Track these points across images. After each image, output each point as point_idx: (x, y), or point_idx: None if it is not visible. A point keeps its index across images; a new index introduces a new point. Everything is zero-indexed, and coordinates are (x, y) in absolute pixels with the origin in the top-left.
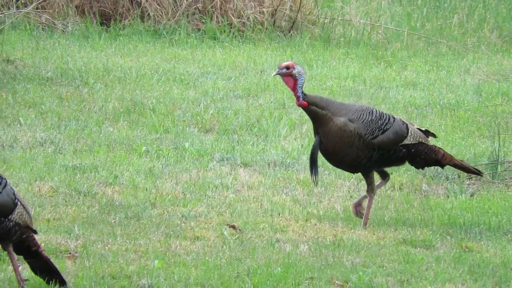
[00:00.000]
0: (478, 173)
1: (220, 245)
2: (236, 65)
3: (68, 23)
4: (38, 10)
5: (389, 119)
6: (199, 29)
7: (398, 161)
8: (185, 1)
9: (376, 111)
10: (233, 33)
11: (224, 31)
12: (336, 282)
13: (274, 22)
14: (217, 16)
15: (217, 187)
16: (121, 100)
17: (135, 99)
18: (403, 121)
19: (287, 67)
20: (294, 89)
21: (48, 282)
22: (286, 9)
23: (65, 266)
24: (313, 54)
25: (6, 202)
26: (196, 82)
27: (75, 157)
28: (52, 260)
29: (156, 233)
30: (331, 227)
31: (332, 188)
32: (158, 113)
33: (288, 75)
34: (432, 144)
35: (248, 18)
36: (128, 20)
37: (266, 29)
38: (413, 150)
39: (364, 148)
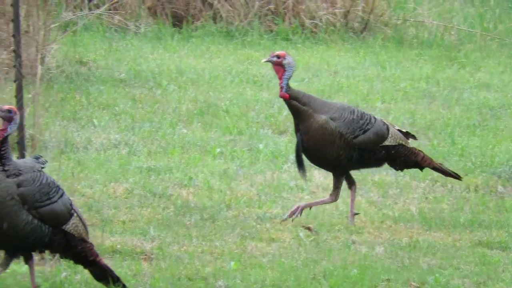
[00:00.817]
0: (456, 177)
1: (296, 246)
2: (309, 67)
3: (140, 24)
4: (111, 11)
5: (370, 119)
6: (271, 31)
7: (377, 163)
8: (257, 2)
9: (358, 110)
10: (306, 34)
11: (297, 32)
12: (413, 284)
13: (347, 23)
14: (289, 18)
15: (292, 188)
16: (194, 102)
17: (208, 101)
18: (384, 122)
19: (278, 56)
20: (280, 79)
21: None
22: (358, 10)
23: (141, 268)
24: (386, 56)
25: (61, 212)
26: (270, 84)
27: (150, 158)
28: (128, 261)
29: (231, 234)
30: (407, 229)
31: (407, 190)
32: (231, 114)
33: (278, 64)
34: (412, 146)
35: (321, 19)
36: (201, 22)
37: (338, 30)
38: (392, 152)
39: (345, 147)
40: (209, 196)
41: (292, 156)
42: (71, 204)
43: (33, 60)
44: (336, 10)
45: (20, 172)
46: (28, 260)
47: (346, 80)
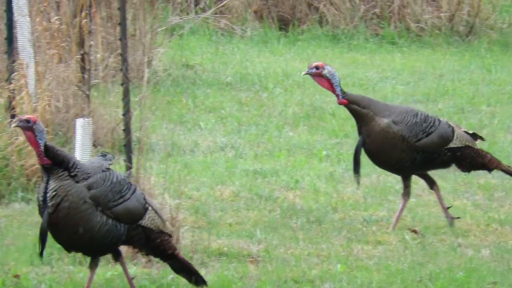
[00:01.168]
0: None
1: (402, 249)
2: (414, 70)
3: (246, 28)
4: (217, 15)
5: (434, 122)
6: (377, 34)
7: (443, 165)
8: (362, 6)
9: (421, 113)
10: (411, 38)
11: (402, 36)
12: None
13: (452, 27)
14: (394, 21)
15: (397, 191)
16: (300, 105)
17: (314, 104)
18: (449, 124)
19: (317, 67)
20: (331, 89)
21: (190, 281)
22: (463, 14)
23: (247, 270)
24: (491, 59)
25: (135, 208)
26: (376, 87)
27: (256, 161)
28: (234, 264)
29: (338, 237)
30: None
31: None
32: (338, 117)
33: (319, 75)
34: (479, 148)
35: (426, 23)
36: (307, 25)
37: (443, 34)
38: (458, 154)
39: (408, 151)
40: (315, 198)
41: None
42: (144, 199)
43: (139, 63)
44: (442, 14)
45: (88, 175)
46: (117, 258)
47: (452, 83)
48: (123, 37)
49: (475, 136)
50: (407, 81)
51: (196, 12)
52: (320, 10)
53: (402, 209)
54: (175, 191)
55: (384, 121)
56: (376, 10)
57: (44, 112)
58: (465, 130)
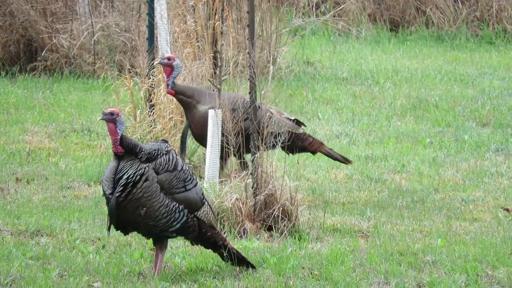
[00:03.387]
0: (345, 161)
1: (495, 225)
2: (510, 67)
3: (361, 29)
4: (335, 17)
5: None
6: (477, 35)
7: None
8: (465, 10)
9: (242, 99)
10: (507, 39)
11: (499, 37)
12: None
13: None
14: (493, 23)
15: (492, 174)
16: (408, 98)
17: (420, 97)
18: (268, 110)
19: (169, 58)
20: (168, 77)
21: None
22: None
23: (358, 244)
24: None
25: (194, 199)
26: (474, 82)
27: (367, 148)
28: (346, 238)
29: (438, 215)
30: None
31: None
32: (440, 109)
33: (169, 66)
34: (301, 132)
35: None
36: (414, 27)
37: None
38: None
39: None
40: (419, 181)
41: (493, 146)
42: (203, 194)
43: (265, 61)
44: None
45: (152, 156)
46: (162, 248)
47: None
48: (251, 37)
49: (298, 123)
50: (503, 76)
51: (317, 15)
52: (427, 13)
53: None
54: (294, 174)
55: (204, 108)
56: (476, 13)
57: (178, 104)
58: (287, 116)
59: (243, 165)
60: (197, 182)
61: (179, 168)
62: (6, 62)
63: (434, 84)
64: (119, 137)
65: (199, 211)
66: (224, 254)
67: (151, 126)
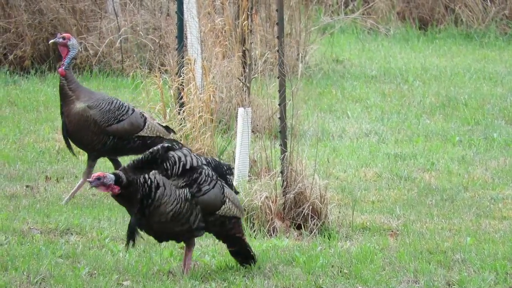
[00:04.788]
0: None
1: None
2: None
3: (390, 27)
4: (364, 16)
5: (127, 111)
6: (505, 33)
7: (133, 150)
8: (494, 8)
9: (117, 101)
10: None
11: None
12: None
13: None
14: None
15: None
16: (437, 96)
17: (449, 95)
18: (142, 115)
19: (63, 38)
20: (64, 57)
21: (242, 265)
22: None
23: (387, 243)
24: None
25: (212, 201)
26: (503, 80)
27: (396, 146)
28: (376, 237)
29: (468, 213)
30: None
31: None
32: (469, 107)
33: (64, 45)
34: (171, 138)
35: None
36: (443, 25)
37: None
38: (149, 142)
39: (99, 134)
40: (449, 179)
41: None
42: (223, 193)
43: (294, 59)
44: None
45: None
46: (189, 245)
47: None
48: (280, 35)
49: (168, 129)
50: None
51: (346, 13)
52: (456, 11)
53: (79, 187)
54: (324, 172)
55: (81, 105)
56: (505, 11)
57: (209, 102)
58: (159, 122)
59: (114, 163)
60: (215, 183)
61: (188, 167)
62: (36, 60)
63: (463, 82)
64: (116, 191)
65: (220, 210)
66: (236, 249)
67: (180, 124)
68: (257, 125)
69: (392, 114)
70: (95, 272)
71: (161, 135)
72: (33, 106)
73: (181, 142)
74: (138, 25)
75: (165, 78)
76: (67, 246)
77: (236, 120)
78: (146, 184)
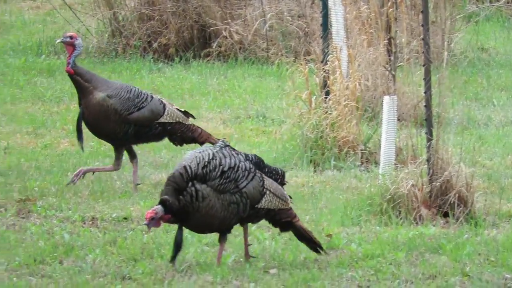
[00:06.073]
0: None
1: None
2: None
3: None
4: (509, 3)
5: (146, 98)
6: None
7: (155, 137)
8: None
9: (135, 89)
10: None
11: None
12: None
13: None
14: None
15: None
16: None
17: None
18: (161, 101)
19: (71, 37)
20: (69, 56)
21: (310, 248)
22: None
23: None
24: None
25: (251, 194)
26: None
27: None
28: None
29: None
30: None
31: None
32: None
33: (70, 44)
34: (191, 123)
35: None
36: None
37: None
38: (169, 128)
39: (121, 123)
40: None
41: None
42: (262, 185)
43: (439, 47)
44: None
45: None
46: (221, 239)
47: None
48: (425, 23)
49: (187, 114)
50: None
51: (491, 1)
52: None
53: (99, 170)
54: (470, 160)
55: (100, 95)
56: None
57: (354, 90)
58: (178, 107)
59: (131, 154)
60: (254, 176)
61: (226, 169)
62: (180, 48)
63: None
64: (167, 219)
65: (259, 203)
66: (295, 232)
67: (326, 112)
68: (403, 113)
69: None
70: (241, 260)
71: (181, 120)
72: (177, 94)
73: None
74: (283, 13)
75: (311, 66)
76: (213, 234)
77: (382, 108)
78: (193, 198)
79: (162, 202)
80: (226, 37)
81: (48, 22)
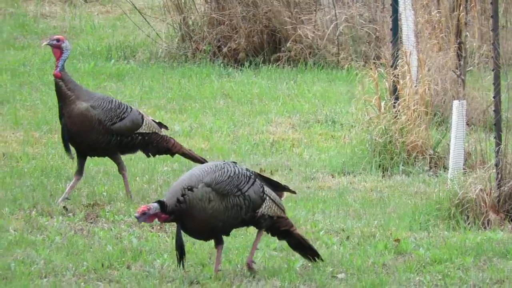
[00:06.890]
0: (202, 161)
1: None
2: None
3: None
4: None
5: (126, 108)
6: None
7: (133, 148)
8: None
9: (115, 100)
10: None
11: None
12: None
13: None
14: None
15: None
16: None
17: None
18: (139, 112)
19: (58, 40)
20: (58, 59)
21: (304, 256)
22: None
23: None
24: None
25: (253, 199)
26: None
27: None
28: None
29: None
30: None
31: None
32: None
33: (57, 47)
34: (164, 134)
35: None
36: None
37: None
38: (146, 138)
39: (104, 133)
40: None
41: None
42: (263, 191)
43: (509, 52)
44: None
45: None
46: (218, 245)
47: None
48: (495, 28)
49: (161, 125)
50: None
51: None
52: None
53: (126, 182)
54: None
55: (83, 105)
56: None
57: (424, 95)
58: (152, 118)
59: (120, 165)
60: (254, 181)
61: (231, 174)
62: (250, 52)
63: None
64: (163, 219)
65: (260, 208)
66: (290, 242)
67: (395, 117)
68: (472, 118)
69: None
70: (309, 265)
71: (156, 130)
72: (247, 98)
73: (396, 134)
74: (353, 18)
75: (381, 71)
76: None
77: (451, 113)
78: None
79: (159, 201)
80: (296, 41)
81: (118, 26)
